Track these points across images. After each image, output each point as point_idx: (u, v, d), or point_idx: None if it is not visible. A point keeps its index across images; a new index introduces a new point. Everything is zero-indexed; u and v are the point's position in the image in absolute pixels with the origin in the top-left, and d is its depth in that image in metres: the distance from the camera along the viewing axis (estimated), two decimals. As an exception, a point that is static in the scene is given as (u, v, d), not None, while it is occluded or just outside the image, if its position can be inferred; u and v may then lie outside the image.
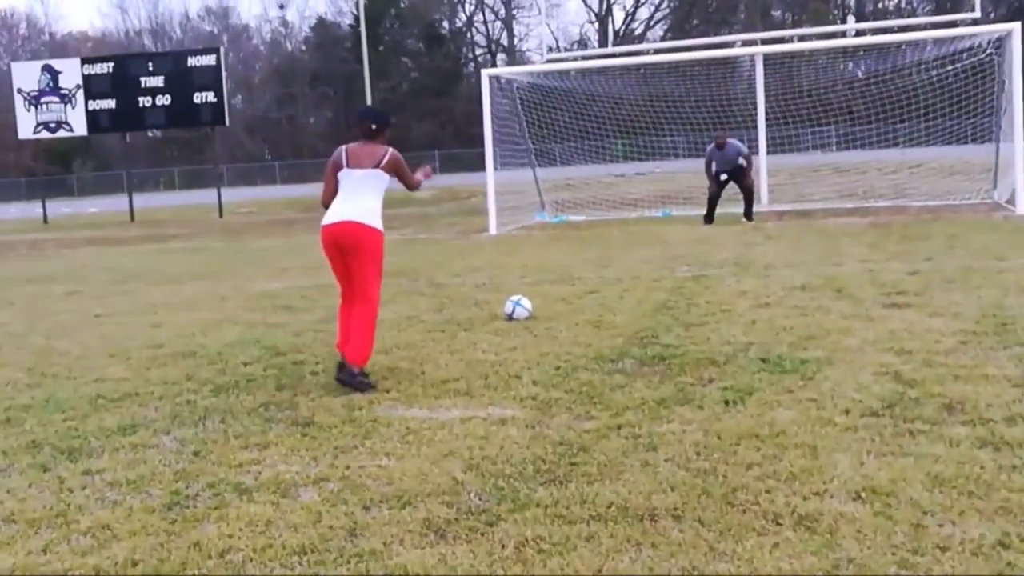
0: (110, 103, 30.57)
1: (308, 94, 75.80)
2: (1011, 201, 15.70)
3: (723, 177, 16.41)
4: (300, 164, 69.34)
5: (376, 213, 6.22)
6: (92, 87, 30.54)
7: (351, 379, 5.92)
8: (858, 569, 3.11)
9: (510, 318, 8.00)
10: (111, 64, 31.29)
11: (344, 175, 6.26)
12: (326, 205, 6.35)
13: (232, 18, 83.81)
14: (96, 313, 9.95)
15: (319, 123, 78.93)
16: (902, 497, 3.68)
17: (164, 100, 30.42)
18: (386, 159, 6.27)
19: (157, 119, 31.64)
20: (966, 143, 18.38)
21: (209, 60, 30.79)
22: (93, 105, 30.61)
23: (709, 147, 16.78)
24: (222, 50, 33.97)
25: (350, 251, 6.12)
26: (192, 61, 30.90)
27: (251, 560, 3.45)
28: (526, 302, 8.13)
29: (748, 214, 16.53)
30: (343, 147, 6.39)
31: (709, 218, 16.66)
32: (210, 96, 30.35)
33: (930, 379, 5.34)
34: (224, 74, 31.56)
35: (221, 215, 30.12)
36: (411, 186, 6.70)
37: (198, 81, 30.30)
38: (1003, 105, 16.52)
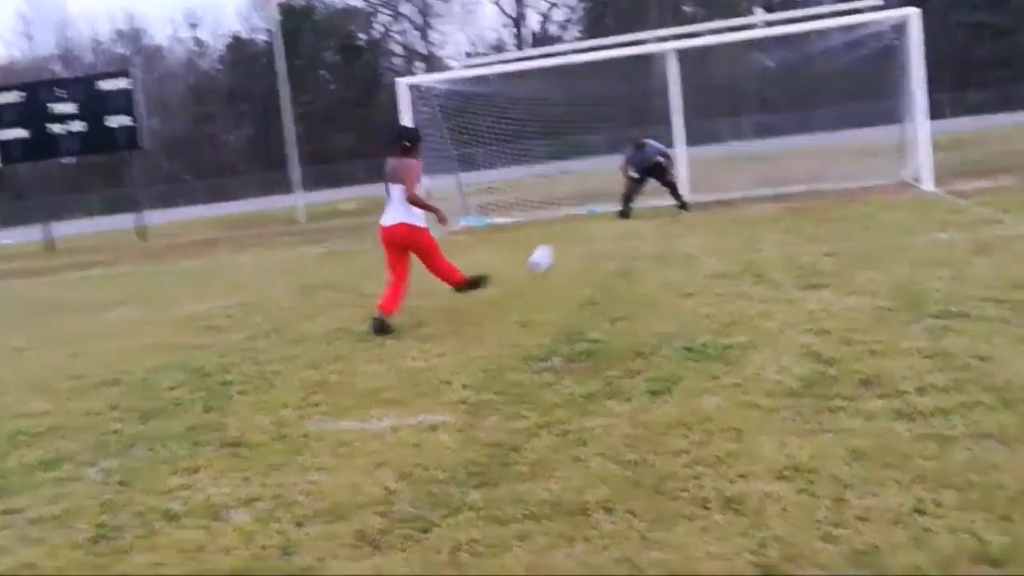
0: (22, 132, 29.74)
1: (226, 112, 74.83)
2: (919, 179, 16.15)
3: (637, 176, 16.63)
4: (222, 183, 68.35)
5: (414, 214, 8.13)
6: (2, 117, 29.69)
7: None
8: (784, 546, 3.19)
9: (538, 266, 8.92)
10: (21, 93, 30.45)
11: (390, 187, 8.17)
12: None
13: (144, 40, 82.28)
14: (15, 346, 9.70)
15: (239, 140, 77.90)
16: (824, 473, 3.78)
17: (78, 126, 29.71)
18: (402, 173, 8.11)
19: (71, 146, 30.83)
20: (875, 125, 18.86)
21: (122, 83, 30.17)
22: (4, 135, 29.75)
23: (626, 150, 17.00)
24: (135, 72, 33.33)
25: (404, 246, 8.26)
26: (104, 85, 30.22)
27: (182, 586, 3.41)
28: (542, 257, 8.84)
29: (681, 205, 16.78)
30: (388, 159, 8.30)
31: (625, 213, 16.87)
32: (125, 120, 29.72)
33: (848, 356, 5.48)
34: (139, 96, 30.96)
35: (143, 239, 29.56)
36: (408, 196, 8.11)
37: (111, 105, 29.65)
38: (906, 87, 17.00)
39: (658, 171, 16.55)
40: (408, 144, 8.23)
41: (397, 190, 8.10)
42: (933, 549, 3.05)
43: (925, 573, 2.91)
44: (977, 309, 6.32)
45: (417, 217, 8.14)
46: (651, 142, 16.77)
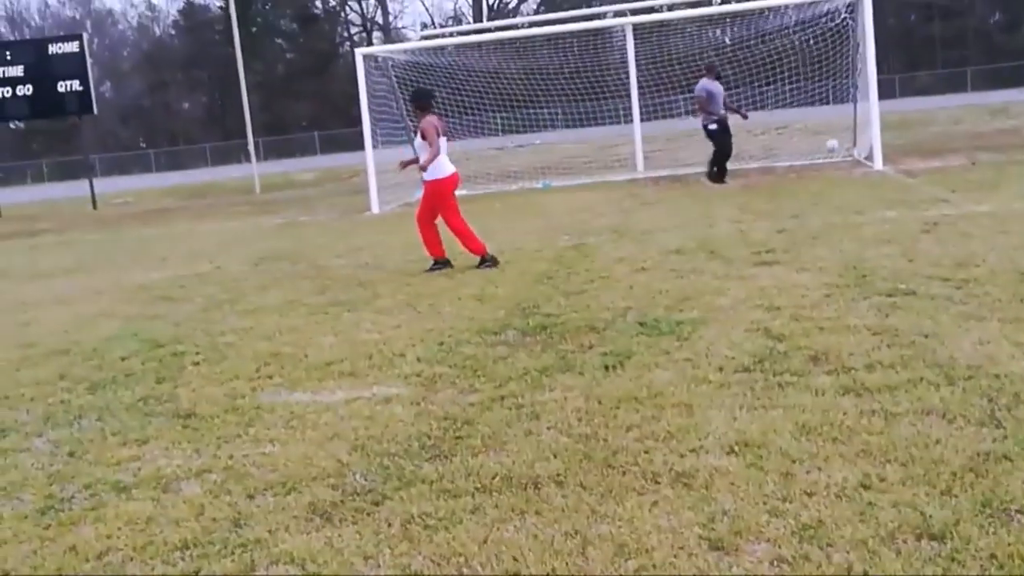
0: (-35, 95, 29.02)
1: (181, 80, 73.57)
2: (869, 158, 16.37)
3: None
4: (176, 151, 67.32)
5: (435, 166, 9.35)
6: (-55, 78, 28.93)
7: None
8: (732, 520, 3.24)
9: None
10: (-36, 54, 29.67)
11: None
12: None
13: (95, 3, 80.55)
14: (-40, 316, 9.52)
15: (195, 108, 76.75)
16: (772, 448, 3.84)
17: (25, 90, 29.00)
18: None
19: (19, 110, 30.14)
20: (827, 103, 19.05)
21: (72, 47, 29.46)
22: (-53, 97, 29.02)
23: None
24: (86, 36, 32.60)
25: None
26: (54, 48, 29.49)
27: (131, 559, 3.39)
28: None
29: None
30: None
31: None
32: (75, 84, 29.06)
33: (797, 332, 5.56)
34: (89, 61, 30.29)
35: (95, 206, 29.03)
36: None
37: (61, 69, 28.95)
38: (858, 66, 17.18)
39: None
40: (416, 106, 9.64)
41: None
42: (877, 523, 3.11)
43: (869, 547, 2.98)
44: (923, 287, 6.44)
45: (438, 170, 9.36)
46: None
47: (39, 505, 3.98)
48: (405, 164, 9.97)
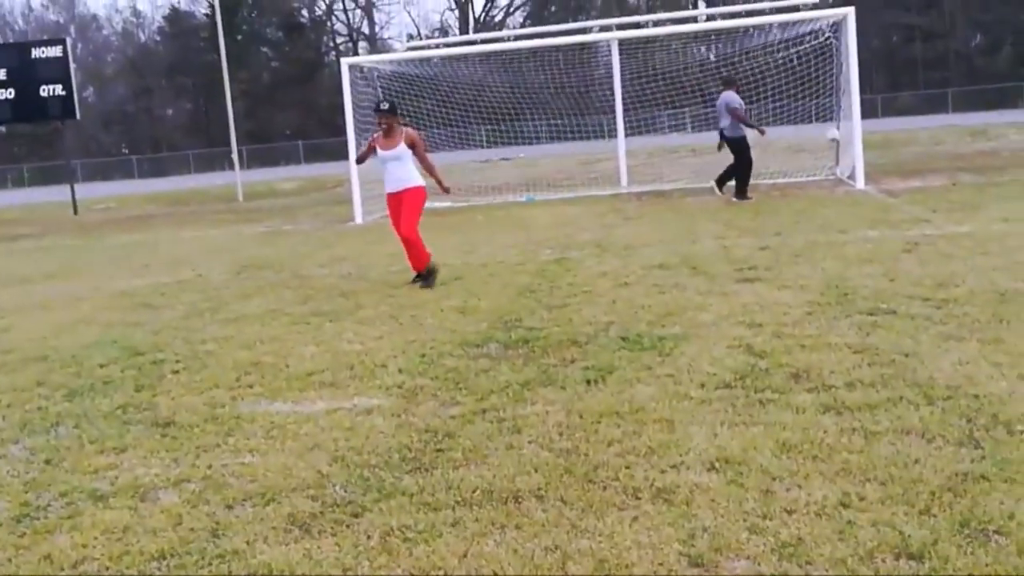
0: (-55, 97, 28.84)
1: (165, 86, 73.35)
2: (852, 177, 16.48)
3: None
4: (159, 158, 67.03)
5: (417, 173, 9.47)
6: (-75, 80, 28.74)
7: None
8: (712, 537, 3.24)
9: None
10: (-55, 56, 29.50)
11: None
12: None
13: (79, 7, 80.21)
14: (-63, 320, 9.43)
15: (179, 115, 76.50)
16: (753, 465, 3.84)
17: (7, 93, 28.84)
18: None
19: (0, 113, 30.02)
20: (810, 122, 19.19)
21: (56, 51, 29.32)
22: (-72, 99, 28.83)
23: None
24: (69, 41, 32.46)
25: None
26: (37, 53, 29.33)
27: (107, 569, 3.36)
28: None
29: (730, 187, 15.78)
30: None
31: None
32: (58, 89, 28.91)
33: (779, 350, 5.58)
34: (73, 66, 30.16)
35: (76, 212, 28.87)
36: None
37: (44, 74, 28.81)
38: (842, 85, 17.31)
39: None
40: (394, 116, 9.45)
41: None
42: (856, 542, 3.12)
43: (848, 565, 2.98)
44: (904, 306, 6.49)
45: (420, 177, 9.47)
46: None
47: (14, 513, 3.94)
48: (445, 188, 9.87)
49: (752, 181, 15.57)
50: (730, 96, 15.27)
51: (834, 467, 3.76)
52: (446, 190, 9.86)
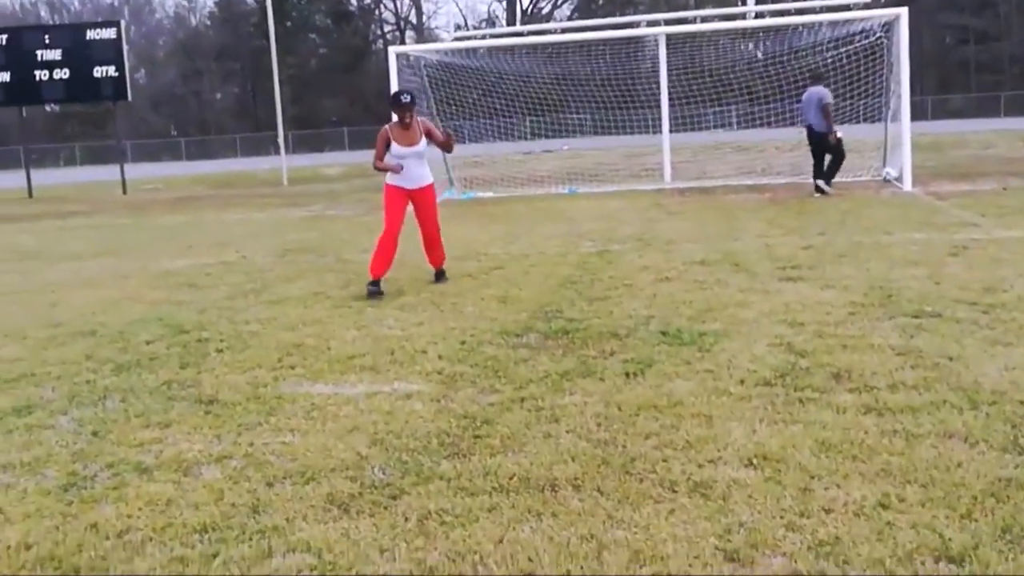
0: (4, 76, 29.35)
1: (214, 70, 74.17)
2: (899, 179, 16.28)
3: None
4: (207, 141, 67.85)
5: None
6: (-15, 59, 29.34)
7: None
8: (748, 533, 3.24)
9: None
10: (4, 36, 29.98)
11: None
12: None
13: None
14: (-11, 293, 9.64)
15: (226, 99, 77.35)
16: (791, 463, 3.83)
17: (62, 74, 29.32)
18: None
19: (55, 93, 30.49)
20: (858, 122, 18.96)
21: (109, 33, 29.78)
22: (-14, 77, 29.44)
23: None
24: (123, 23, 32.93)
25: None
26: (92, 34, 29.84)
27: (150, 540, 3.42)
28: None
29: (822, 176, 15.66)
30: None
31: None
32: (111, 70, 29.39)
33: (820, 349, 5.54)
34: (126, 48, 30.61)
35: (125, 192, 29.29)
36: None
37: (98, 55, 29.30)
38: (892, 86, 17.08)
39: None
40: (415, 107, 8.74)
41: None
42: (895, 543, 3.10)
43: (886, 566, 2.97)
44: (950, 310, 6.41)
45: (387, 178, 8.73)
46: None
47: (62, 482, 4.03)
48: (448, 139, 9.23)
49: (796, 180, 15.45)
50: (823, 91, 15.26)
51: (874, 468, 3.74)
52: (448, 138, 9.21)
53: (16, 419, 4.99)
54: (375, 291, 8.16)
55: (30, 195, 30.05)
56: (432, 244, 8.93)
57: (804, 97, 15.66)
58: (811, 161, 15.69)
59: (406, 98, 8.56)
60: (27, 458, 4.35)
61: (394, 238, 8.59)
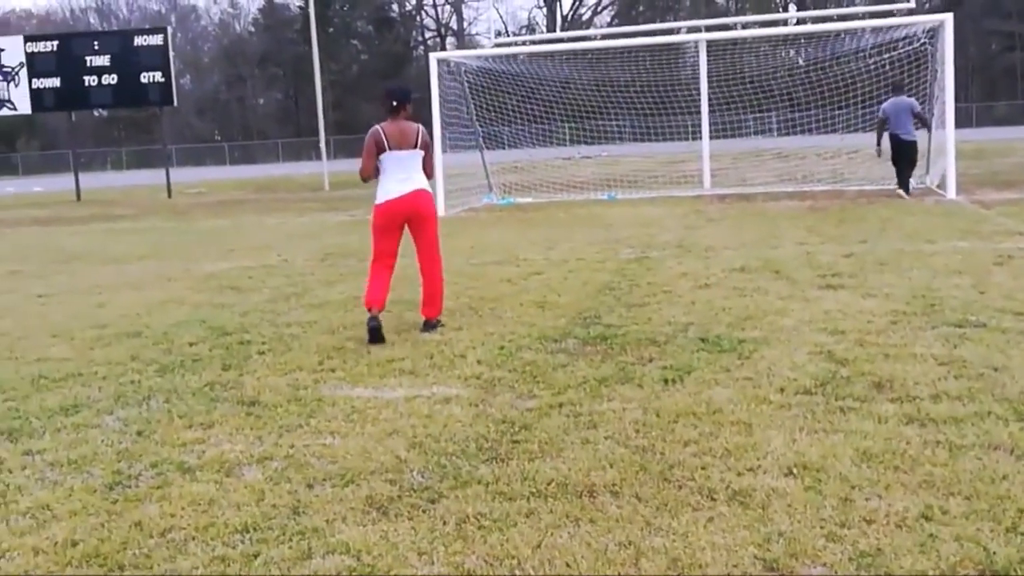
0: (54, 81, 29.99)
1: (257, 76, 75.06)
2: (942, 186, 16.07)
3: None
4: (250, 145, 68.67)
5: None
6: (36, 65, 29.93)
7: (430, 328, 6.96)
8: (788, 542, 3.21)
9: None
10: (55, 42, 30.66)
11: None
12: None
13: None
14: (39, 293, 9.81)
15: (269, 104, 78.20)
16: (832, 472, 3.80)
17: (110, 79, 29.90)
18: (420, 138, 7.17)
19: (103, 98, 31.10)
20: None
21: (156, 40, 30.31)
22: (37, 83, 30.03)
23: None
24: (170, 30, 33.45)
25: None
26: (139, 40, 30.40)
27: (193, 539, 3.47)
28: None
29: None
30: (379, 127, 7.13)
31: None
32: (157, 76, 29.91)
33: (861, 358, 5.49)
34: (172, 54, 31.10)
35: (169, 195, 29.71)
36: (429, 172, 7.28)
37: (145, 61, 29.82)
38: (936, 93, 16.88)
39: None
40: (395, 104, 7.19)
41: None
42: (938, 555, 3.06)
43: (927, 577, 2.94)
44: (995, 320, 6.32)
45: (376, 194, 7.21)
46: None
47: (107, 480, 4.10)
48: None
49: (838, 187, 15.36)
50: (911, 100, 15.61)
51: (916, 479, 3.70)
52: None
53: (64, 418, 5.08)
54: (373, 326, 6.63)
55: (78, 198, 30.60)
56: (431, 279, 7.24)
57: (888, 108, 15.77)
58: (851, 171, 15.79)
59: (403, 93, 7.25)
60: (74, 456, 4.44)
61: (385, 258, 7.22)
